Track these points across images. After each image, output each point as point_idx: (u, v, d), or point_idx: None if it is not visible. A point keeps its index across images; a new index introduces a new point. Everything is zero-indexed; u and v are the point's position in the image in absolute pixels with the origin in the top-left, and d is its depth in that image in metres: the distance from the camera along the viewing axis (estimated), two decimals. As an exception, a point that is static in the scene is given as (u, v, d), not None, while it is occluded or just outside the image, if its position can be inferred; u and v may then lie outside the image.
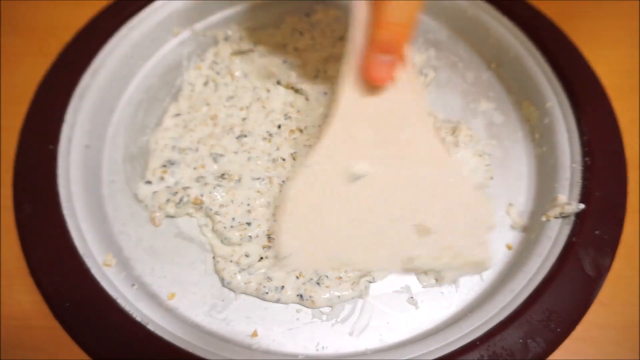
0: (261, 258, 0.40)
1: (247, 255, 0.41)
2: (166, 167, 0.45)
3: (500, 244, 0.42)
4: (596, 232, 0.38)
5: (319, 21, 0.54)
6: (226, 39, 0.53)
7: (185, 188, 0.43)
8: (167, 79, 0.52)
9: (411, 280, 0.41)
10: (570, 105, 0.45)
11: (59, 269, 0.37)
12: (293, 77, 0.49)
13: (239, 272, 0.40)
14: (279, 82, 0.49)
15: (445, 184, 0.37)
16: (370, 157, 0.36)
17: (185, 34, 0.54)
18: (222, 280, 0.40)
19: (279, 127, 0.47)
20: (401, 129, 0.37)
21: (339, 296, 0.39)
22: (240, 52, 0.51)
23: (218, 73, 0.51)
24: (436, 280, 0.40)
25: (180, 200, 0.43)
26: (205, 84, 0.50)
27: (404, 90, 0.36)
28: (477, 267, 0.39)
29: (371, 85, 0.35)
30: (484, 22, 0.52)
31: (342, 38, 0.52)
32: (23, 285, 0.44)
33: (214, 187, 0.43)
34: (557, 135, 0.44)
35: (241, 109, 0.48)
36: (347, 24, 0.36)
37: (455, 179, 0.37)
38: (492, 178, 0.45)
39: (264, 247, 0.41)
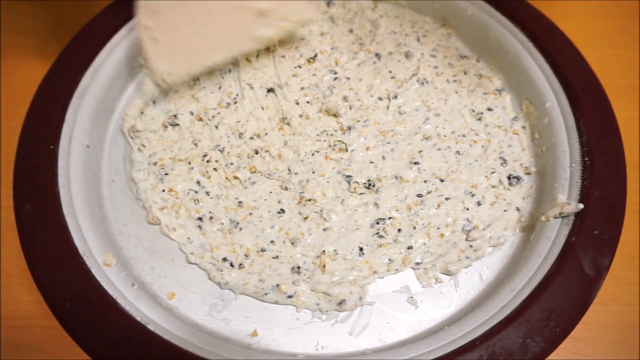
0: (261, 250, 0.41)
1: (246, 256, 0.41)
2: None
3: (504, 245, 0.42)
4: (595, 231, 0.38)
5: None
6: None
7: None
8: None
9: (411, 280, 0.41)
10: (570, 105, 0.45)
11: (59, 269, 0.37)
12: None
13: (237, 268, 0.40)
14: None
15: None
16: None
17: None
18: (218, 284, 0.40)
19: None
20: None
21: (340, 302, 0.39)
22: None
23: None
24: (436, 280, 0.41)
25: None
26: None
27: None
28: (301, 23, 0.49)
29: None
30: (484, 22, 0.52)
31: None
32: (23, 285, 0.44)
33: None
34: (557, 135, 0.44)
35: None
36: None
37: None
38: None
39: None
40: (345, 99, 0.49)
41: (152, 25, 0.45)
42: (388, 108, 0.49)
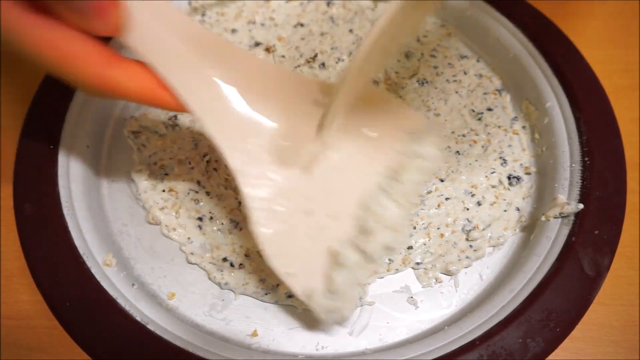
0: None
1: (246, 256, 0.41)
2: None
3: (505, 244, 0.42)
4: (595, 231, 0.38)
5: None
6: None
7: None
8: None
9: (411, 280, 0.41)
10: (570, 105, 0.45)
11: (59, 269, 0.37)
12: None
13: (237, 268, 0.40)
14: None
15: None
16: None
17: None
18: (218, 284, 0.40)
19: None
20: None
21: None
22: None
23: None
24: (436, 280, 0.41)
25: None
26: None
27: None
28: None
29: None
30: (484, 22, 0.52)
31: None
32: (23, 285, 0.44)
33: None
34: (557, 135, 0.44)
35: None
36: None
37: None
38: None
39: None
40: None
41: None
42: None
